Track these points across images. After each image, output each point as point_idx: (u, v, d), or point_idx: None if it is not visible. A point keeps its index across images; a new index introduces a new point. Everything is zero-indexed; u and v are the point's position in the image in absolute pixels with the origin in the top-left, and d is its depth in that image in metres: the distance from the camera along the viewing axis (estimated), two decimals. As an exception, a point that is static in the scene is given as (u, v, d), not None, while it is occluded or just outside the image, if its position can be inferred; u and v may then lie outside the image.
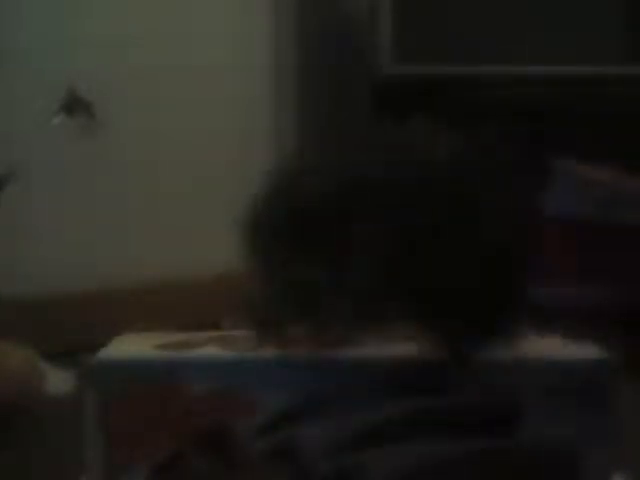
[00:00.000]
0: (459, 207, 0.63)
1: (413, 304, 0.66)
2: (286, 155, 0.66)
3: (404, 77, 2.07)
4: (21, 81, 1.80)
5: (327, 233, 0.64)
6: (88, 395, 0.72)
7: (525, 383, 0.71)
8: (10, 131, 1.80)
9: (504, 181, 0.65)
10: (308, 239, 0.66)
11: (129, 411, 0.71)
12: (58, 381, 1.37)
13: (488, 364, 0.71)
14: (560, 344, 0.74)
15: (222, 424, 0.71)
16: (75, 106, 1.81)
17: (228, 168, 2.03)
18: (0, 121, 1.80)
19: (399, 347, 0.73)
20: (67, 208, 1.88)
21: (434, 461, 0.71)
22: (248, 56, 2.08)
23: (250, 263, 0.68)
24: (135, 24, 1.93)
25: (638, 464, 0.76)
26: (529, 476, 0.72)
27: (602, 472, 0.73)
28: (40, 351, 1.39)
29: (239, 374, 0.71)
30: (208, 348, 0.74)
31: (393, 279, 0.64)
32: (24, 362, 1.35)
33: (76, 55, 1.85)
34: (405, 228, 0.63)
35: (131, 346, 0.75)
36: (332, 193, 0.64)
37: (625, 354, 0.68)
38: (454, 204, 0.63)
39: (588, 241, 0.70)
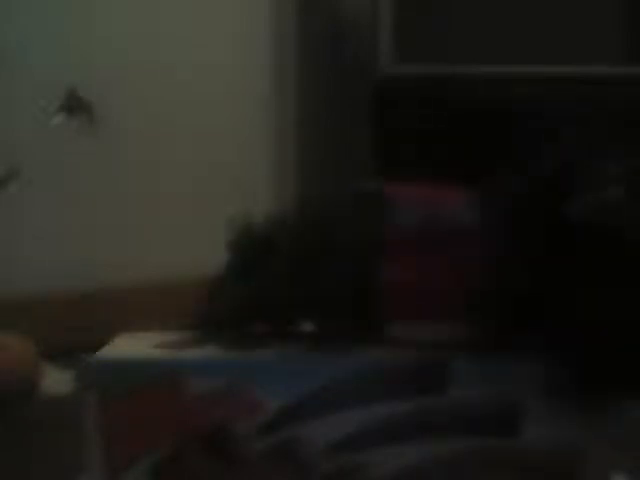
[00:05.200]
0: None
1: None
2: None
3: (404, 77, 2.07)
4: (21, 81, 1.80)
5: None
6: (88, 395, 0.72)
7: (525, 382, 0.71)
8: (10, 131, 1.80)
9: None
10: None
11: (129, 411, 0.71)
12: (58, 381, 1.37)
13: (487, 364, 0.71)
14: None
15: (222, 424, 0.71)
16: (75, 106, 1.81)
17: (228, 168, 2.03)
18: (0, 121, 1.80)
19: (399, 347, 0.73)
20: (67, 208, 1.88)
21: (434, 461, 0.72)
22: (248, 56, 2.08)
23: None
24: (135, 24, 1.93)
25: (638, 464, 0.76)
26: (529, 476, 0.72)
27: (602, 472, 0.73)
28: (40, 351, 1.39)
29: (239, 374, 0.71)
30: (208, 348, 0.74)
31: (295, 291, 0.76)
32: (24, 352, 1.36)
33: (76, 55, 1.86)
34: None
35: (131, 346, 0.75)
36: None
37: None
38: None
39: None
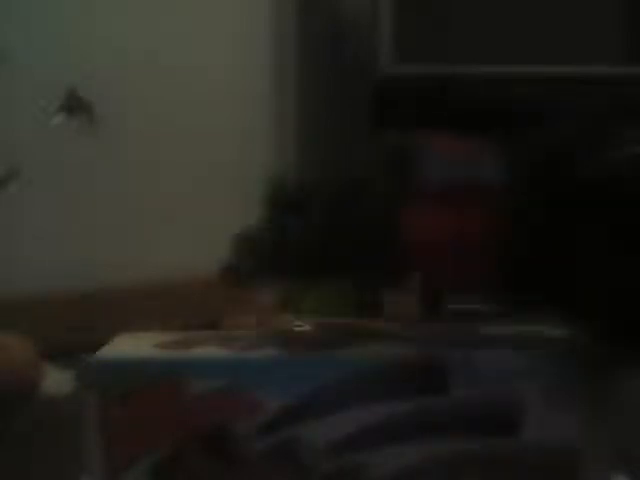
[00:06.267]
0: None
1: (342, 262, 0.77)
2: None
3: (404, 77, 2.07)
4: (21, 81, 1.80)
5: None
6: (88, 395, 0.72)
7: (525, 382, 0.71)
8: (10, 131, 1.80)
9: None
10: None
11: (129, 411, 0.71)
12: (58, 381, 1.37)
13: (487, 362, 0.71)
14: None
15: (222, 424, 0.71)
16: (75, 106, 1.81)
17: (228, 168, 2.03)
18: (0, 121, 1.80)
19: (399, 347, 0.73)
20: (67, 208, 1.88)
21: (434, 461, 0.72)
22: (248, 56, 2.08)
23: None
24: (135, 24, 1.93)
25: (638, 463, 0.76)
26: (529, 476, 0.72)
27: (602, 472, 0.73)
28: (40, 351, 1.39)
29: (239, 374, 0.71)
30: (208, 348, 0.74)
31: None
32: (24, 352, 1.36)
33: (76, 55, 1.86)
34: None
35: (131, 346, 0.75)
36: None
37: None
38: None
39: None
